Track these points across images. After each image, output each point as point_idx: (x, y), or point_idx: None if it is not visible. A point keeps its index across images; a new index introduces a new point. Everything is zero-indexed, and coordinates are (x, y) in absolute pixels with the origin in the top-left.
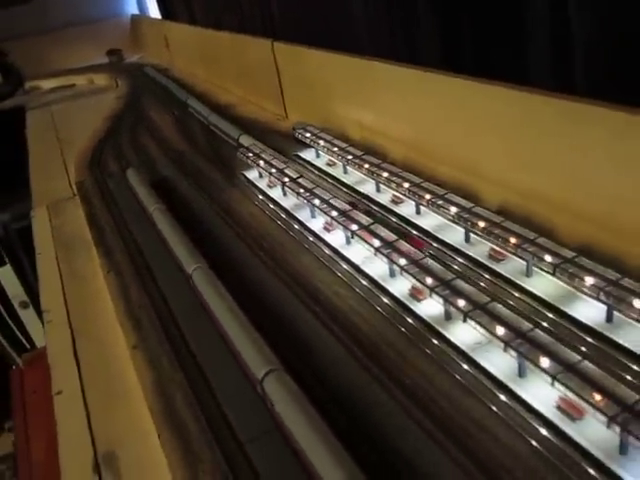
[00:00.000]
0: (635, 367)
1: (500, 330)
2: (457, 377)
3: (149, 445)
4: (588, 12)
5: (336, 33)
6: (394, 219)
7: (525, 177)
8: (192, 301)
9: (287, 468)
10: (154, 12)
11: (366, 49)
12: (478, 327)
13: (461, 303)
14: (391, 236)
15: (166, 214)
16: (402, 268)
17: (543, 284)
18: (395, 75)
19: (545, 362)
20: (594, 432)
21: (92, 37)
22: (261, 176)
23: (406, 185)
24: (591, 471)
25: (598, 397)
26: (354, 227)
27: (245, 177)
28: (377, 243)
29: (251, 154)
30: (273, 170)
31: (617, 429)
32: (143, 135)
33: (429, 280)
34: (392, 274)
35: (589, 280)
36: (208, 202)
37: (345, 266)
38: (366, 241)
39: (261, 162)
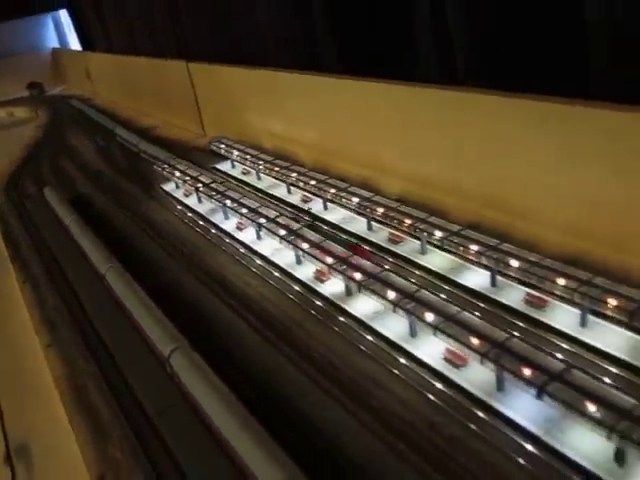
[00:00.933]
0: (509, 317)
1: (391, 294)
2: (358, 345)
3: (61, 433)
4: (462, 16)
5: (246, 49)
6: (307, 217)
7: (419, 166)
8: (106, 298)
9: (195, 438)
10: (75, 44)
11: (273, 61)
12: (371, 295)
13: (358, 276)
14: (296, 225)
15: (81, 224)
16: (305, 252)
17: (436, 259)
18: (298, 83)
19: (430, 317)
20: (475, 375)
21: (12, 71)
22: (177, 187)
23: (313, 183)
24: (475, 410)
25: (475, 341)
26: (262, 221)
27: (163, 190)
28: (283, 232)
29: (167, 167)
30: (188, 179)
31: (491, 366)
32: (63, 160)
33: (329, 259)
34: (299, 261)
35: (474, 248)
36: (125, 214)
37: (257, 259)
38: (273, 232)
39: (177, 173)
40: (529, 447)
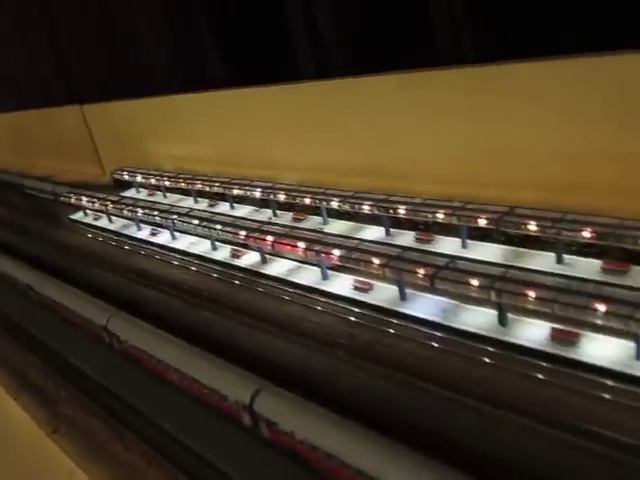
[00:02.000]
0: (404, 248)
1: (301, 244)
2: (282, 297)
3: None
4: (330, 16)
5: (140, 80)
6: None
7: (312, 156)
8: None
9: (142, 390)
10: None
11: (166, 87)
12: (285, 257)
13: (270, 238)
14: (209, 215)
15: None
16: (221, 231)
17: (336, 226)
18: (190, 103)
19: (336, 252)
20: (381, 294)
21: None
22: (86, 214)
23: (216, 189)
24: (385, 318)
25: (376, 261)
26: (174, 217)
27: (71, 219)
28: (196, 222)
29: (73, 199)
30: (96, 204)
31: (390, 274)
32: None
33: (243, 232)
34: (215, 248)
35: (367, 205)
36: (39, 244)
37: (176, 254)
38: (187, 223)
39: (84, 201)
40: (433, 332)
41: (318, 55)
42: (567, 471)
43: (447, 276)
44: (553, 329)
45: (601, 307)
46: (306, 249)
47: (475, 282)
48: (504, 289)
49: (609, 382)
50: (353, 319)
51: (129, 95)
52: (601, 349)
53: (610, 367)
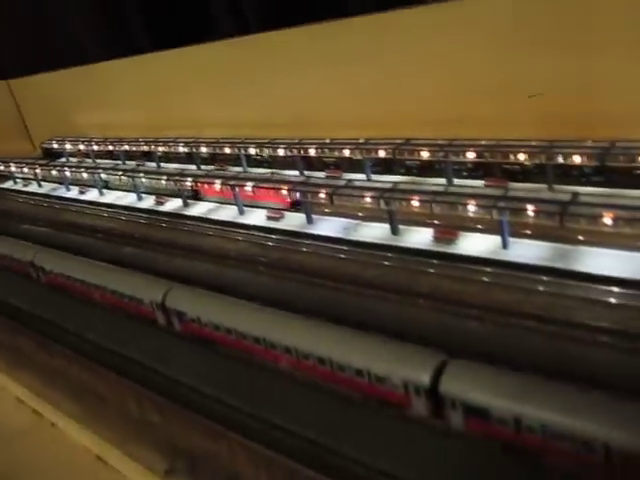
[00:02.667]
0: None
1: (217, 183)
2: (206, 232)
3: None
4: None
5: (63, 50)
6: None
7: (231, 112)
8: None
9: (67, 310)
10: None
11: (93, 56)
12: (205, 200)
13: (188, 183)
14: (133, 167)
15: None
16: (145, 178)
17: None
18: (114, 69)
19: (249, 184)
20: (292, 220)
21: None
22: (15, 182)
23: (143, 148)
24: (296, 239)
25: (285, 190)
26: (99, 171)
27: (0, 188)
28: (120, 173)
29: (2, 166)
30: (25, 169)
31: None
32: None
33: (163, 179)
34: (140, 198)
35: (281, 150)
36: None
37: (103, 208)
38: (113, 174)
39: (12, 168)
40: (336, 245)
41: (233, 13)
42: (448, 331)
43: (343, 192)
44: (435, 230)
45: (472, 205)
46: (222, 184)
47: (368, 195)
48: (392, 197)
49: (482, 268)
50: (267, 243)
51: (54, 66)
52: (475, 243)
53: (482, 256)
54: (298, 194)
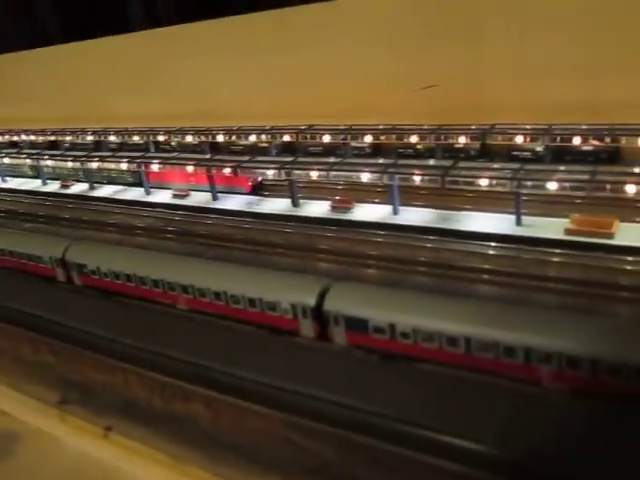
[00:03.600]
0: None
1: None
2: (110, 211)
3: None
4: None
5: None
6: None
7: (142, 105)
8: None
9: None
10: None
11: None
12: (113, 183)
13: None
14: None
15: None
16: (50, 159)
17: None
18: (24, 61)
19: (155, 163)
20: (197, 198)
21: None
22: None
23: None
24: (202, 214)
25: (191, 167)
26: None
27: None
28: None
29: None
30: None
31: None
32: None
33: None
34: (45, 183)
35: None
36: None
37: (7, 193)
38: (16, 157)
39: None
40: (240, 217)
41: (144, 5)
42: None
43: (247, 165)
44: (333, 200)
45: (365, 173)
46: (129, 162)
47: (270, 167)
48: (292, 167)
49: (374, 231)
50: (176, 218)
51: None
52: (370, 211)
53: (375, 221)
54: (213, 170)
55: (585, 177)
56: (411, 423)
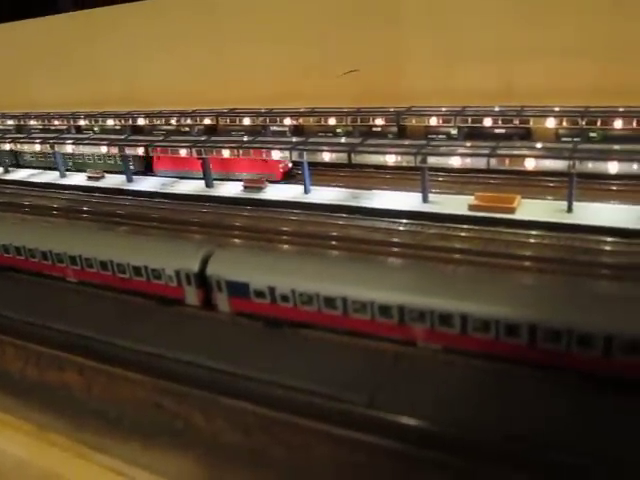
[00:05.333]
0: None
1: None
2: (24, 194)
3: None
4: None
5: None
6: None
7: (64, 90)
8: None
9: None
10: None
11: None
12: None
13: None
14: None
15: None
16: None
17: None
18: None
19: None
20: (112, 180)
21: None
22: None
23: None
24: (117, 195)
25: (104, 149)
26: None
27: None
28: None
29: None
30: None
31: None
32: None
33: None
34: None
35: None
36: None
37: None
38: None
39: None
40: (154, 199)
41: None
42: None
43: (160, 145)
44: (244, 180)
45: (276, 151)
46: (42, 143)
47: (183, 146)
48: (204, 146)
49: (286, 209)
50: (93, 200)
51: None
52: (282, 191)
53: (286, 200)
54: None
55: (486, 152)
56: (282, 386)
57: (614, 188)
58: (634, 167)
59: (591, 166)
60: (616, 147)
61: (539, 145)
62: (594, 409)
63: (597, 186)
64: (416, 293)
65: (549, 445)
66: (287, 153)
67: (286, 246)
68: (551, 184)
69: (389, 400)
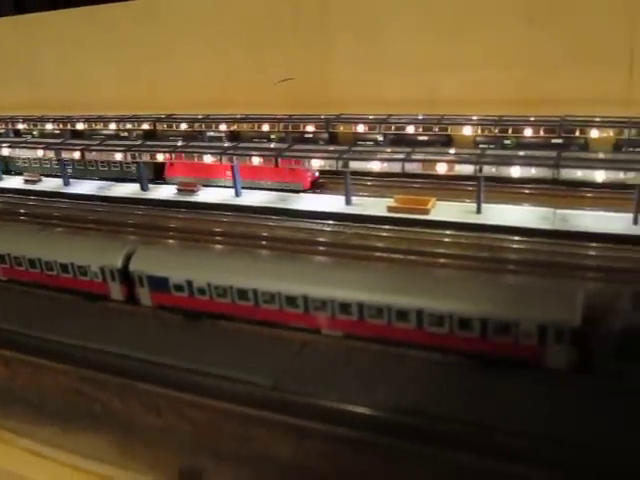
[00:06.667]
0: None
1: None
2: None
3: None
4: None
5: None
6: None
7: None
8: None
9: None
10: None
11: None
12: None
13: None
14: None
15: None
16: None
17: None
18: None
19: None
20: (49, 184)
21: None
22: None
23: None
24: (54, 198)
25: (40, 152)
26: None
27: None
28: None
29: None
30: None
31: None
32: None
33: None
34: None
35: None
36: None
37: None
38: None
39: None
40: (88, 201)
41: None
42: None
43: (95, 148)
44: (179, 183)
45: (208, 155)
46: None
47: (117, 149)
48: (139, 150)
49: (216, 211)
50: (30, 203)
51: None
52: (214, 194)
53: (217, 202)
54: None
55: (401, 156)
56: (195, 372)
57: (526, 192)
58: (532, 171)
59: (494, 170)
60: (521, 153)
61: (452, 151)
62: (473, 384)
63: (507, 189)
64: (318, 284)
65: (427, 415)
66: (218, 157)
67: (218, 246)
68: (469, 187)
69: (292, 383)
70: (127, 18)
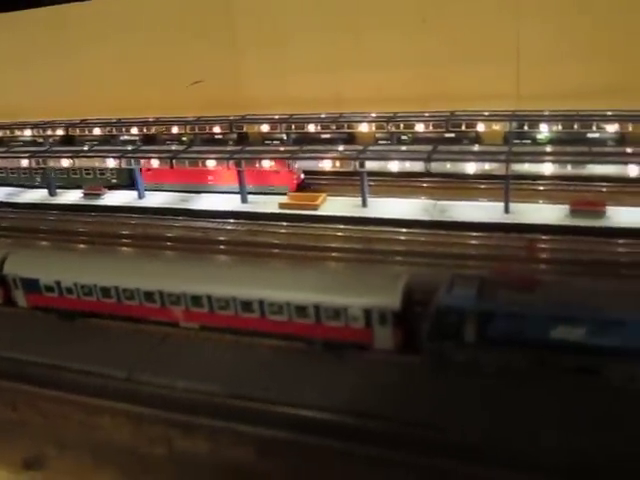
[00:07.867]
0: None
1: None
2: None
3: None
4: None
5: None
6: None
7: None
8: None
9: None
10: None
11: None
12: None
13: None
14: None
15: None
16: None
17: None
18: None
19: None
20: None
21: None
22: None
23: None
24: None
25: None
26: None
27: None
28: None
29: None
30: None
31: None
32: None
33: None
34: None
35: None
36: None
37: None
38: None
39: None
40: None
41: None
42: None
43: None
44: (84, 188)
45: (111, 159)
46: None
47: (24, 156)
48: (44, 156)
49: (120, 214)
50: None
51: None
52: (118, 197)
53: (120, 205)
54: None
55: (287, 155)
56: (53, 367)
57: (424, 185)
58: (407, 165)
59: (375, 165)
60: (403, 148)
61: (341, 148)
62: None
63: (392, 183)
64: (171, 279)
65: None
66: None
67: (124, 248)
68: (372, 183)
69: (144, 374)
70: (40, 25)
